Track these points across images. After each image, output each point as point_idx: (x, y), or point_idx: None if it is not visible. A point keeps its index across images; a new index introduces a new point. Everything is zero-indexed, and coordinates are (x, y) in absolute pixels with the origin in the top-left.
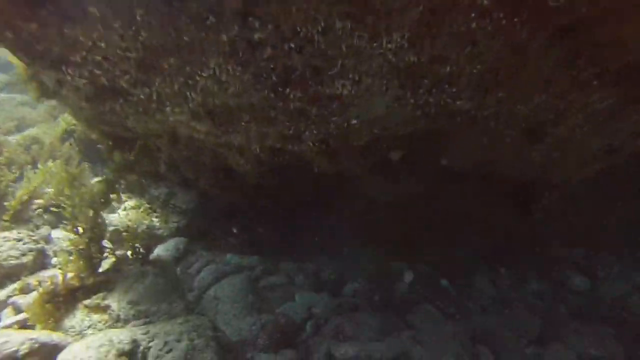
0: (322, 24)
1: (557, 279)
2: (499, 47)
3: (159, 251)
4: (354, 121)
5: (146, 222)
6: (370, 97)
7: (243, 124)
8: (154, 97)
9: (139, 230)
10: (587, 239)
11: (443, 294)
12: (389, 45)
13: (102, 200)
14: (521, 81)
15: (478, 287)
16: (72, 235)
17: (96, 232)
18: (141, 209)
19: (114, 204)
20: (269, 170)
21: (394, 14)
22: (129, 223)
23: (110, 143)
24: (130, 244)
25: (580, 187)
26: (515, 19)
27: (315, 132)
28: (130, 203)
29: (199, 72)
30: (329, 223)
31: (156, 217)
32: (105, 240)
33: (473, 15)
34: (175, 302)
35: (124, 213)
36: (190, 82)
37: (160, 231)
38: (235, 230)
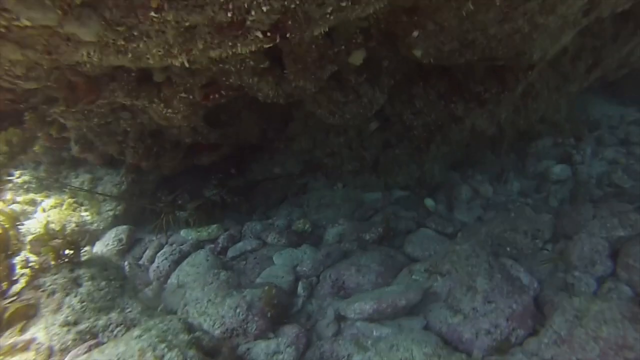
0: None
1: (536, 173)
2: None
3: (98, 248)
4: None
5: (74, 219)
6: None
7: (152, 14)
8: None
9: (66, 230)
10: (549, 126)
11: (432, 214)
12: None
13: None
14: None
15: (463, 198)
16: None
17: None
18: (64, 206)
19: (28, 207)
20: (204, 119)
21: None
22: (52, 225)
23: None
24: (52, 249)
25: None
26: None
27: (265, 8)
28: (49, 201)
29: None
30: (286, 166)
31: (85, 210)
32: (25, 252)
33: None
34: (128, 305)
35: (44, 215)
36: None
37: (94, 225)
38: (181, 202)
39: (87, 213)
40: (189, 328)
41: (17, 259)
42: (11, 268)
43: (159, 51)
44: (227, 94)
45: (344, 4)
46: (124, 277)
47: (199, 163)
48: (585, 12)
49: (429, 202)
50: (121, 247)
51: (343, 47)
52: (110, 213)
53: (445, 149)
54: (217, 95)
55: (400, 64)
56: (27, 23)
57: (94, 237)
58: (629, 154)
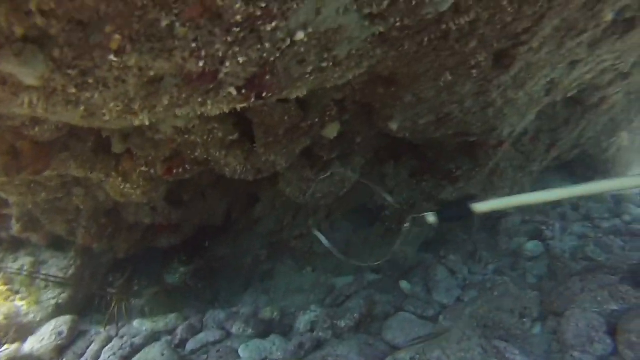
0: None
1: (509, 250)
2: None
3: (30, 345)
4: (300, 34)
5: (3, 310)
6: None
7: (111, 57)
8: None
9: None
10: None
11: (410, 297)
12: None
13: None
14: None
15: (439, 279)
16: None
17: None
18: None
19: None
20: (165, 197)
21: None
22: None
23: None
24: None
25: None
26: None
27: (241, 59)
28: None
29: None
30: (251, 249)
31: (21, 299)
32: None
33: None
34: None
35: None
36: None
37: (29, 317)
38: (137, 287)
39: (22, 302)
40: None
41: None
42: None
43: (117, 105)
44: (191, 168)
45: (324, 64)
46: None
47: (158, 245)
48: (547, 91)
49: (405, 284)
50: (60, 342)
51: (317, 119)
52: (52, 302)
53: (417, 229)
54: (180, 170)
55: (371, 141)
56: None
57: (27, 331)
58: (596, 228)
